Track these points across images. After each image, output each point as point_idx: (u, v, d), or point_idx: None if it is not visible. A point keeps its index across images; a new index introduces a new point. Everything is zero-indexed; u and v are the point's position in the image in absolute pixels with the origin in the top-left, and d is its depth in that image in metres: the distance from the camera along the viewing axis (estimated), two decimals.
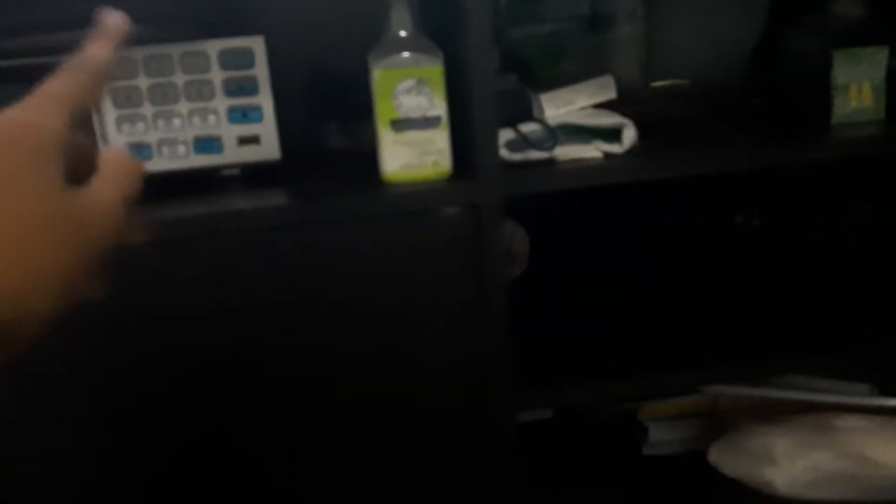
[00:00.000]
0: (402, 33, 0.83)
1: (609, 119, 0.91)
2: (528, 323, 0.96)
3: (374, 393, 0.88)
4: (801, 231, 1.26)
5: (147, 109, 0.87)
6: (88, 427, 0.85)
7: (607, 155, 0.90)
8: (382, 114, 0.84)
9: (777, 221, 1.28)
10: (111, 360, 0.83)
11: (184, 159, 0.89)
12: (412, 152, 0.85)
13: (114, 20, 0.48)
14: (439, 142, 0.85)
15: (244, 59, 0.87)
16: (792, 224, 1.28)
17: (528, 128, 0.89)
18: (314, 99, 1.08)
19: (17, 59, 0.85)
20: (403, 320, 0.88)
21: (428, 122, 0.84)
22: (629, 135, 0.89)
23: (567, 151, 0.89)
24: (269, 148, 0.90)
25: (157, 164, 0.88)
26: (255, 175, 0.91)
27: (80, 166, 0.43)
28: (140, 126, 0.87)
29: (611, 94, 0.95)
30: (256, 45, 0.87)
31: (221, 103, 0.88)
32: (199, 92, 0.87)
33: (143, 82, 0.86)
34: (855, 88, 0.95)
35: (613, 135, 0.90)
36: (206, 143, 0.89)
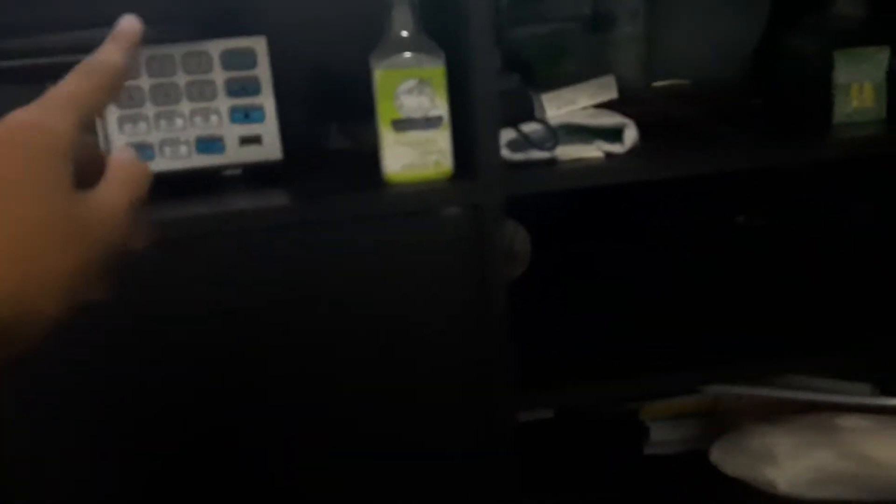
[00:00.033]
0: (404, 33, 0.83)
1: (610, 119, 0.91)
2: (530, 323, 0.96)
3: (374, 393, 0.88)
4: (802, 231, 1.26)
5: (149, 109, 0.87)
6: (88, 427, 0.85)
7: (608, 155, 0.90)
8: (384, 114, 0.84)
9: (778, 221, 1.28)
10: (111, 361, 0.83)
11: (186, 159, 0.89)
12: (413, 152, 0.85)
13: (129, 24, 0.48)
14: (441, 142, 0.85)
15: (246, 59, 0.87)
16: (793, 224, 1.28)
17: (529, 128, 0.89)
18: (316, 99, 1.08)
19: (18, 60, 0.85)
20: (404, 320, 0.88)
21: (429, 122, 0.84)
22: (630, 135, 0.89)
23: (568, 151, 0.89)
24: (271, 148, 0.90)
25: (159, 165, 0.88)
26: (256, 175, 0.91)
27: (88, 168, 0.43)
28: (142, 126, 0.87)
29: (612, 93, 0.95)
30: (258, 45, 0.87)
31: (223, 103, 0.88)
32: (201, 92, 0.87)
33: (145, 82, 0.86)
34: (856, 88, 0.95)
35: (615, 135, 0.90)
36: (208, 144, 0.89)
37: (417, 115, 0.84)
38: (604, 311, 1.10)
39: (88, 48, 0.47)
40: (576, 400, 1.11)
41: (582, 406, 1.21)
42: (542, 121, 0.91)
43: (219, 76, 0.87)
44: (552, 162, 0.89)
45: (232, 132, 0.89)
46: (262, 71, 0.88)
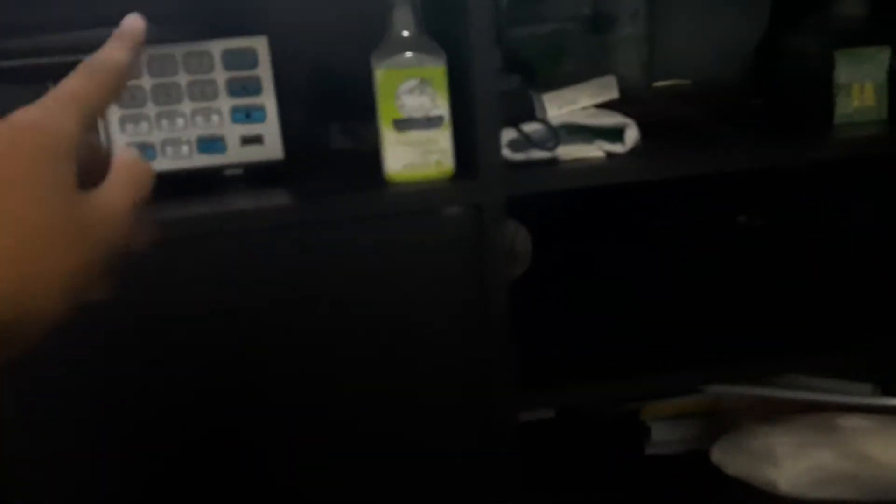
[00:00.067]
0: (405, 33, 0.83)
1: (611, 119, 0.91)
2: (530, 322, 0.96)
3: (374, 393, 0.88)
4: (803, 231, 1.26)
5: (150, 109, 0.87)
6: (88, 427, 0.85)
7: (609, 155, 0.90)
8: (385, 114, 0.84)
9: (779, 221, 1.28)
10: (111, 361, 0.83)
11: (187, 159, 0.89)
12: (415, 152, 0.85)
13: (133, 22, 0.48)
14: (442, 142, 0.85)
15: (247, 59, 0.87)
16: (794, 224, 1.28)
17: (530, 127, 0.89)
18: (317, 99, 1.08)
19: (18, 60, 0.85)
20: (405, 320, 0.88)
21: (430, 122, 0.84)
22: (631, 135, 0.89)
23: (569, 151, 0.89)
24: (273, 148, 0.90)
25: (161, 164, 0.88)
26: (258, 175, 0.91)
27: (92, 168, 0.43)
28: (144, 126, 0.87)
29: (613, 93, 0.95)
30: (260, 45, 0.87)
31: (225, 103, 0.88)
32: (203, 92, 0.87)
33: (146, 82, 0.86)
34: (857, 88, 0.95)
35: (616, 134, 0.90)
36: (210, 143, 0.89)
37: (418, 114, 0.84)
38: (605, 311, 1.10)
39: (89, 48, 0.47)
40: (577, 400, 1.11)
41: (583, 406, 1.21)
42: (544, 121, 0.91)
43: (220, 76, 0.87)
44: (553, 162, 0.89)
45: (233, 132, 0.89)
46: (264, 71, 0.88)
